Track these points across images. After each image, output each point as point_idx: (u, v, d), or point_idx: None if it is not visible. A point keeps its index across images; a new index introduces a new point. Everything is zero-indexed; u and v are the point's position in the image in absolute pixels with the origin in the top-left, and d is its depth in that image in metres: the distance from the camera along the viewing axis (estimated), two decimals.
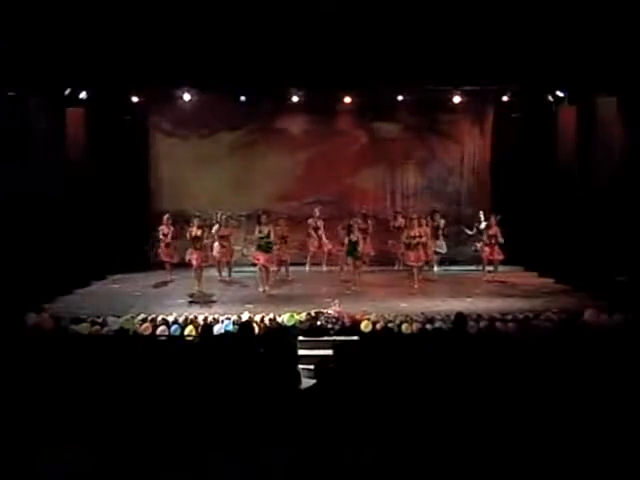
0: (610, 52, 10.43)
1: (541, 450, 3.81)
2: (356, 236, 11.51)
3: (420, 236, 11.79)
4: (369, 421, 4.02)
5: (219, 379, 4.83)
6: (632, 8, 9.75)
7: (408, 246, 11.86)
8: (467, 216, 14.31)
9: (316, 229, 13.26)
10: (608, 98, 11.85)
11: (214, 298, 10.99)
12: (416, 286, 11.76)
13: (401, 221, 13.40)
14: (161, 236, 12.41)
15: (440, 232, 13.09)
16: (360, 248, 11.59)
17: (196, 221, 11.87)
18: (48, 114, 12.04)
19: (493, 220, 12.44)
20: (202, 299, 10.85)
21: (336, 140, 14.68)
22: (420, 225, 11.96)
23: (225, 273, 12.95)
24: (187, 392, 4.56)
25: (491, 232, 12.45)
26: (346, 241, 11.61)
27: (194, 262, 11.62)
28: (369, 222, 12.96)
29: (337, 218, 13.49)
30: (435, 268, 13.33)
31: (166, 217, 12.51)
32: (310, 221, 13.29)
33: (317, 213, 13.31)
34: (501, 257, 12.50)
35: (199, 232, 11.70)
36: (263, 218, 11.50)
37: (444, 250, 13.26)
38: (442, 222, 13.16)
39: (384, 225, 13.74)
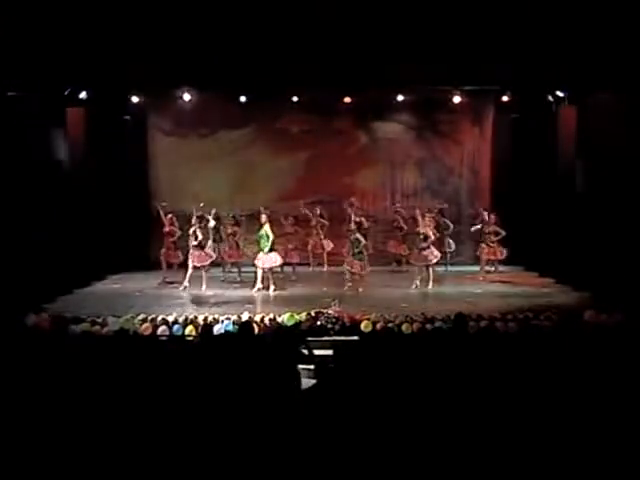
0: (610, 52, 10.43)
1: (541, 449, 3.81)
2: (355, 236, 11.49)
3: (430, 236, 11.85)
4: (369, 421, 4.02)
5: (219, 379, 4.83)
6: (632, 7, 9.76)
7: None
8: (467, 216, 14.35)
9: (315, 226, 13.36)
10: (608, 98, 11.85)
11: (212, 300, 11.00)
12: (430, 285, 11.82)
13: (401, 220, 13.45)
14: (169, 235, 12.33)
15: (446, 232, 13.18)
16: (362, 248, 11.54)
17: (195, 220, 11.73)
18: (48, 114, 12.03)
19: (493, 218, 12.54)
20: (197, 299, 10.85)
21: (336, 140, 14.66)
22: (424, 220, 11.96)
23: (234, 274, 12.94)
24: (187, 392, 4.56)
25: (489, 229, 12.51)
26: (351, 241, 11.58)
27: (194, 262, 11.58)
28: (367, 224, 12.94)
29: (337, 218, 13.52)
30: (448, 267, 13.44)
31: (169, 217, 12.45)
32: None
33: (318, 210, 13.44)
34: (502, 256, 12.50)
35: (198, 231, 11.58)
36: (263, 217, 11.52)
37: (453, 248, 13.31)
38: (448, 221, 13.30)
39: (385, 226, 13.72)
